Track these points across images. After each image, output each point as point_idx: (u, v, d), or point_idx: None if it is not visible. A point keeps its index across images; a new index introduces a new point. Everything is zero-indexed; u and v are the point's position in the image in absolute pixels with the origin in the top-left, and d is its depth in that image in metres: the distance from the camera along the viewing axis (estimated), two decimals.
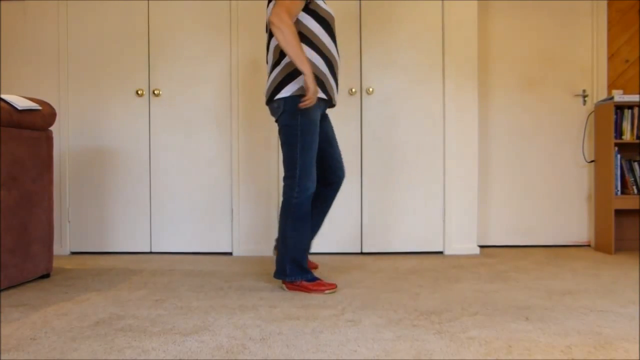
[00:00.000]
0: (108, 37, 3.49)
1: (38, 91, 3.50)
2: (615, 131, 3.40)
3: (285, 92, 2.28)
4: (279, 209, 2.51)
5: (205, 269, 2.95)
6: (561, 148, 3.72)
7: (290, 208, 2.33)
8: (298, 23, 2.29)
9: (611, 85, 3.68)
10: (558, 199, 3.72)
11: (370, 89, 3.41)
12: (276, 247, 2.70)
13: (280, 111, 2.32)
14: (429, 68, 3.42)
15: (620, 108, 3.43)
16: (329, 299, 2.22)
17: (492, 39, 3.71)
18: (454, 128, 3.41)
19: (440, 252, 3.44)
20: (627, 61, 3.68)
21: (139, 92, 3.46)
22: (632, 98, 3.34)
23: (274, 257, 2.75)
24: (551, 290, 2.37)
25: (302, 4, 2.25)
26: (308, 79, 2.18)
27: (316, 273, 2.66)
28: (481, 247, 3.63)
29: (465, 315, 1.96)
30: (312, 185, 2.35)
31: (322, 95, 2.33)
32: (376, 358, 1.52)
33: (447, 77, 3.41)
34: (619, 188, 3.40)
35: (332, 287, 2.35)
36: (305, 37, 2.29)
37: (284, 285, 2.41)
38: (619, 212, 3.59)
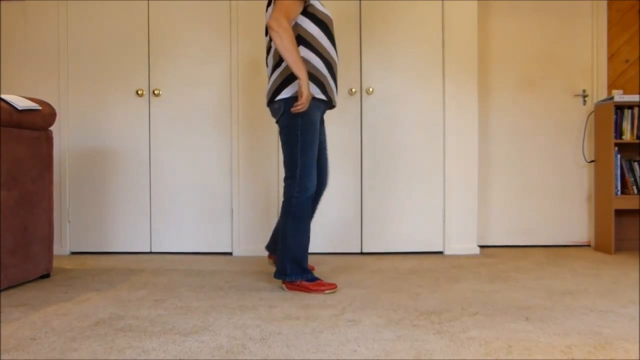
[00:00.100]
0: (108, 37, 3.50)
1: (38, 91, 3.50)
2: (615, 131, 3.40)
3: (286, 94, 2.30)
4: (279, 209, 2.52)
5: (205, 269, 2.95)
6: (561, 148, 3.72)
7: (291, 208, 2.34)
8: (297, 26, 2.30)
9: (611, 85, 3.68)
10: (558, 199, 3.72)
11: (370, 89, 3.41)
12: (267, 249, 2.71)
13: (280, 112, 2.34)
14: (429, 68, 3.42)
15: (620, 108, 3.43)
16: (329, 299, 2.22)
17: (492, 39, 3.71)
18: (454, 128, 3.41)
19: (440, 252, 3.44)
20: (627, 61, 3.68)
21: (139, 92, 3.46)
22: (632, 98, 3.34)
23: (268, 261, 2.77)
24: (551, 290, 2.37)
25: (300, 8, 2.27)
26: (303, 84, 2.21)
27: (316, 273, 2.67)
28: (481, 247, 3.63)
29: (465, 315, 1.96)
30: (312, 185, 2.36)
31: (322, 96, 2.34)
32: (376, 358, 1.52)
33: (447, 77, 3.41)
34: (619, 188, 3.40)
35: (332, 287, 2.35)
36: (304, 40, 2.30)
37: (283, 285, 2.41)
38: (619, 212, 3.59)
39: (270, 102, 2.39)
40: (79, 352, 1.58)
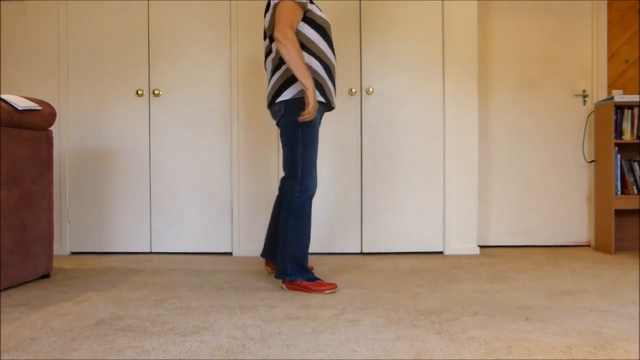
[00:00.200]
0: (108, 37, 3.50)
1: (38, 91, 3.50)
2: (615, 131, 3.40)
3: (286, 95, 2.33)
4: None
5: (205, 269, 2.95)
6: (561, 148, 3.72)
7: (292, 208, 2.36)
8: (297, 33, 2.34)
9: (611, 85, 3.68)
10: (558, 199, 3.72)
11: (370, 89, 3.41)
12: (263, 256, 2.72)
13: (281, 114, 2.38)
14: (429, 68, 3.42)
15: (620, 108, 3.43)
16: (329, 299, 2.22)
17: (492, 39, 3.71)
18: (454, 128, 3.41)
19: (440, 252, 3.44)
20: (627, 61, 3.68)
21: (139, 92, 3.46)
22: (632, 98, 3.34)
23: (266, 269, 2.77)
24: (551, 290, 2.37)
25: (301, 14, 2.31)
26: (310, 94, 2.24)
27: (316, 273, 2.66)
28: (481, 247, 3.63)
29: (465, 315, 1.96)
30: (313, 185, 2.39)
31: (321, 99, 2.37)
32: (376, 358, 1.52)
33: (447, 77, 3.41)
34: (619, 188, 3.40)
35: (332, 287, 2.35)
36: (304, 45, 2.34)
37: (283, 285, 2.41)
38: (619, 212, 3.59)
39: (271, 104, 2.43)
40: (79, 352, 1.58)
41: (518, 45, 3.70)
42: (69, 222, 3.51)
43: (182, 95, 3.47)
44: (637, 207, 3.35)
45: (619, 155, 3.40)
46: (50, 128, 2.83)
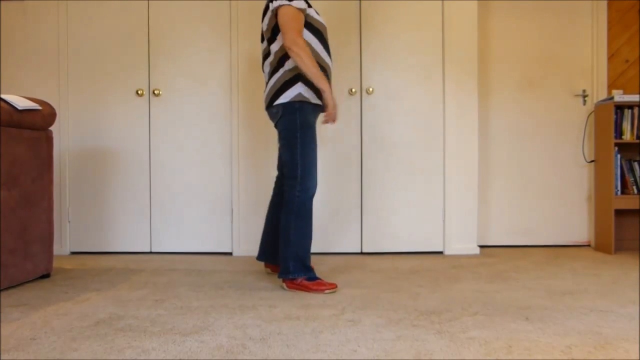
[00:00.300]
0: (108, 37, 3.50)
1: (38, 91, 3.50)
2: (615, 131, 3.40)
3: (284, 98, 2.38)
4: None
5: (205, 268, 2.95)
6: (561, 148, 3.72)
7: (293, 207, 2.38)
8: None
9: (611, 85, 3.68)
10: (558, 199, 3.72)
11: (370, 89, 3.41)
12: (259, 259, 2.72)
13: (279, 116, 2.42)
14: (429, 68, 3.42)
15: (620, 108, 3.43)
16: (329, 299, 2.22)
17: (492, 39, 3.71)
18: (454, 128, 3.41)
19: (440, 252, 3.44)
20: (627, 61, 3.68)
21: (139, 92, 3.46)
22: (632, 98, 3.34)
23: (266, 270, 2.78)
24: (551, 290, 2.37)
25: (303, 18, 2.36)
26: (328, 95, 2.35)
27: (316, 273, 2.66)
28: (481, 247, 3.63)
29: (465, 315, 1.96)
30: (313, 185, 2.41)
31: (317, 101, 2.42)
32: (376, 358, 1.52)
33: (447, 77, 3.41)
34: (619, 188, 3.40)
35: (333, 287, 2.35)
36: None
37: (284, 284, 2.41)
38: (619, 212, 3.59)
39: (269, 106, 2.47)
40: (79, 352, 1.58)
41: (518, 45, 3.70)
42: (69, 222, 3.51)
43: (182, 95, 3.47)
44: (637, 207, 3.35)
45: (619, 155, 3.40)
46: (50, 128, 2.83)
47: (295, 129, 2.37)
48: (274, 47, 2.41)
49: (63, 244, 3.49)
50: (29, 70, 3.52)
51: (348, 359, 1.51)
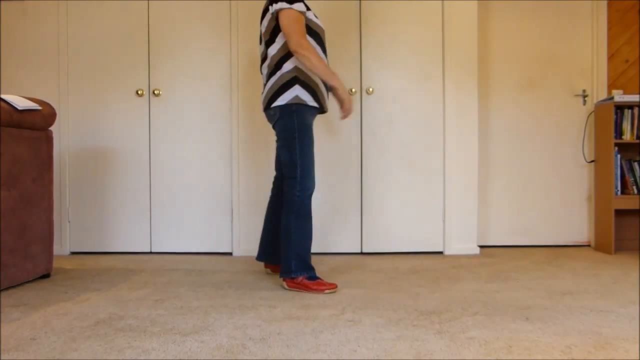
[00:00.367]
0: (108, 37, 3.50)
1: (38, 91, 3.50)
2: (615, 131, 3.40)
3: (281, 101, 2.41)
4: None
5: (206, 268, 2.95)
6: (561, 148, 3.72)
7: (294, 207, 2.40)
8: None
9: (611, 85, 3.67)
10: (558, 199, 3.72)
11: (370, 89, 3.41)
12: (259, 259, 2.73)
13: (276, 118, 2.45)
14: (429, 68, 3.42)
15: (620, 108, 3.43)
16: (329, 299, 2.22)
17: (492, 39, 3.71)
18: (454, 128, 3.41)
19: (440, 252, 3.44)
20: (627, 61, 3.68)
21: (139, 92, 3.46)
22: (632, 98, 3.34)
23: (265, 270, 2.78)
24: (551, 290, 2.37)
25: (304, 19, 2.38)
26: (341, 92, 2.42)
27: (316, 273, 2.66)
28: (481, 247, 3.63)
29: (465, 315, 1.96)
30: (312, 184, 2.44)
31: (314, 103, 2.44)
32: (376, 358, 1.52)
33: (447, 77, 3.41)
34: (619, 188, 3.40)
35: (333, 287, 2.35)
36: None
37: (284, 284, 2.42)
38: (619, 212, 3.59)
39: (266, 108, 2.50)
40: (79, 352, 1.58)
41: (518, 45, 3.70)
42: (69, 222, 3.51)
43: (182, 95, 3.47)
44: (637, 207, 3.35)
45: (619, 155, 3.40)
46: (50, 128, 2.83)
47: (293, 130, 2.39)
48: (272, 50, 2.44)
49: (63, 244, 3.49)
50: (29, 70, 3.52)
51: (348, 359, 1.51)
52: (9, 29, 3.54)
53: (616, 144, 3.39)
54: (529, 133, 3.71)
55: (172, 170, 3.48)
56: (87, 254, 3.48)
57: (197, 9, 3.46)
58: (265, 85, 2.52)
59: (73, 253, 3.52)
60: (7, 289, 2.44)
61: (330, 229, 3.42)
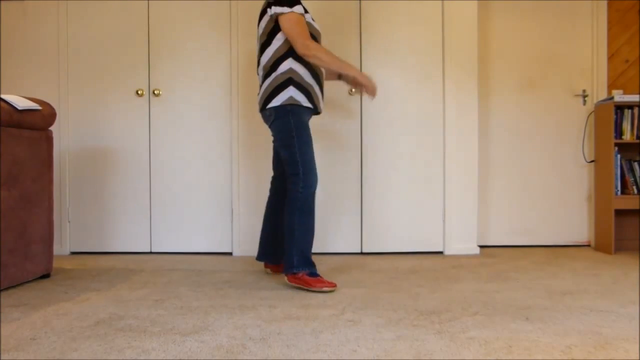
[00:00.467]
0: (108, 37, 3.50)
1: (38, 91, 3.50)
2: (615, 131, 3.40)
3: (276, 102, 2.44)
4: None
5: (205, 269, 2.95)
6: (561, 148, 3.72)
7: (297, 204, 2.42)
8: (289, 42, 2.43)
9: (611, 85, 3.67)
10: (558, 199, 3.72)
11: None
12: (259, 259, 2.73)
13: (272, 119, 2.48)
14: (429, 68, 3.42)
15: (620, 108, 3.43)
16: (329, 299, 2.22)
17: (492, 39, 3.71)
18: (454, 128, 3.41)
19: (440, 252, 3.44)
20: (627, 61, 3.68)
21: (139, 92, 3.46)
22: (632, 98, 3.34)
23: (265, 270, 2.79)
24: (551, 290, 2.37)
25: (305, 20, 2.41)
26: (360, 77, 2.48)
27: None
28: (481, 247, 3.63)
29: (465, 315, 1.96)
30: (314, 181, 2.46)
31: (308, 104, 2.47)
32: (376, 358, 1.52)
33: (447, 76, 3.41)
34: (619, 188, 3.40)
35: (332, 285, 2.36)
36: (294, 53, 2.44)
37: (286, 278, 2.44)
38: (619, 212, 3.59)
39: (262, 109, 2.53)
40: (79, 352, 1.58)
41: (518, 45, 3.70)
42: (69, 222, 3.51)
43: (182, 95, 3.47)
44: (637, 207, 3.35)
45: (619, 155, 3.40)
46: (50, 128, 2.83)
47: (291, 129, 2.42)
48: (269, 52, 2.46)
49: (63, 244, 3.49)
50: (29, 70, 3.52)
51: (348, 359, 1.51)
52: (9, 29, 3.54)
53: (616, 144, 3.39)
54: (529, 133, 3.71)
55: (172, 170, 3.48)
56: (87, 254, 3.48)
57: (197, 9, 3.46)
58: (260, 86, 2.54)
59: (73, 253, 3.52)
60: (7, 289, 2.44)
61: (330, 229, 3.42)
